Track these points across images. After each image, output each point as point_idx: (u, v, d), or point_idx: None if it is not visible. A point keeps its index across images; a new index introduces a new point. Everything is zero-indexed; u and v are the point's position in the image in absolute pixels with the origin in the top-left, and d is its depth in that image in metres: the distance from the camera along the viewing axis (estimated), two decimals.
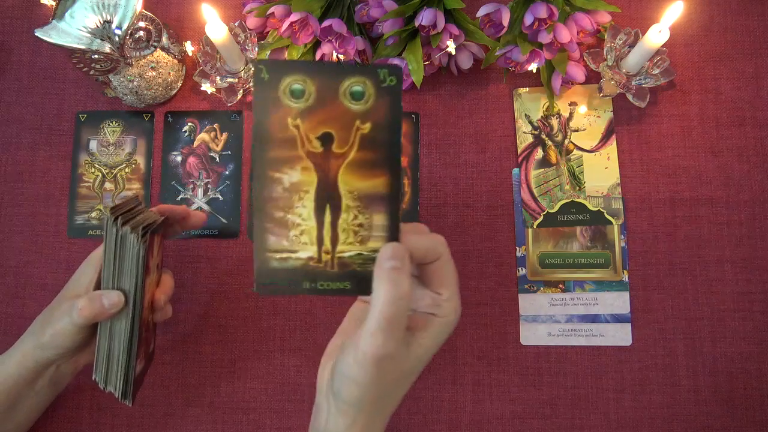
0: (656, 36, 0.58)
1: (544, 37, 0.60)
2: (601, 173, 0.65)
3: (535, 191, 0.65)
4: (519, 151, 0.66)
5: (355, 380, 0.37)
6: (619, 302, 0.63)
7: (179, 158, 0.67)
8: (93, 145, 0.67)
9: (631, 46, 0.63)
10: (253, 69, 0.62)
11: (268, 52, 0.64)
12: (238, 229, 0.65)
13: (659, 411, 0.61)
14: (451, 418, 0.62)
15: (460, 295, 0.40)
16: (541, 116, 0.67)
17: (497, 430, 0.61)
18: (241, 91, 0.65)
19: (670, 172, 0.65)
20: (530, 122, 0.66)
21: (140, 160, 0.67)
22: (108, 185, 0.66)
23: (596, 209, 0.64)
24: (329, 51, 0.61)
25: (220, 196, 0.66)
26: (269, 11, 0.61)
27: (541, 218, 0.65)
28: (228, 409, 0.62)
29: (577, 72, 0.63)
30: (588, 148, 0.66)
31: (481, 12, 0.60)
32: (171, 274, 0.57)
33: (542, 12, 0.57)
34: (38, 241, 0.65)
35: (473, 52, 0.64)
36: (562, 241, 0.64)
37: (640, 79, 0.63)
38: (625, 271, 0.64)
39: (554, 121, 0.66)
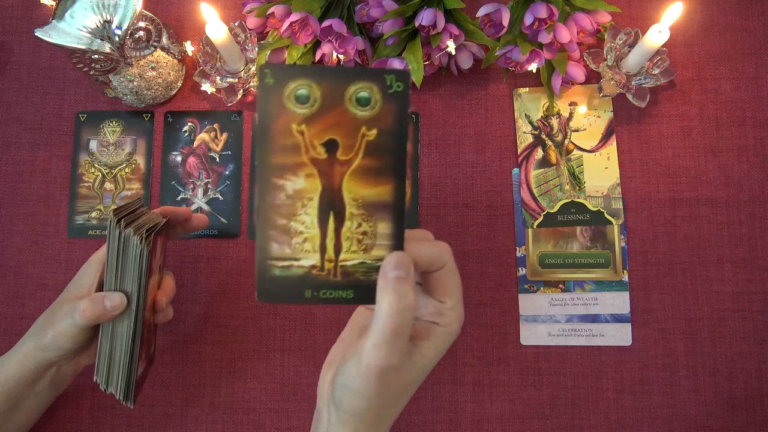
0: (656, 36, 0.58)
1: (544, 37, 0.60)
2: (601, 173, 0.65)
3: (535, 191, 0.65)
4: (519, 151, 0.66)
5: (357, 391, 0.36)
6: (619, 302, 0.63)
7: (179, 158, 0.67)
8: (93, 145, 0.67)
9: (631, 46, 0.63)
10: (256, 72, 0.62)
11: (268, 52, 0.64)
12: (238, 229, 0.65)
13: (659, 411, 0.61)
14: (451, 418, 0.62)
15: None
16: (541, 116, 0.67)
17: (497, 430, 0.61)
18: (241, 91, 0.65)
19: (670, 172, 0.65)
20: (530, 122, 0.66)
21: (140, 160, 0.67)
22: (108, 185, 0.66)
23: (596, 209, 0.65)
24: (329, 51, 0.61)
25: (220, 196, 0.66)
26: (269, 11, 0.61)
27: (541, 218, 0.65)
28: (228, 409, 0.62)
29: (577, 72, 0.63)
30: (588, 148, 0.66)
31: (481, 12, 0.60)
32: (172, 276, 0.57)
33: (542, 12, 0.57)
34: (38, 241, 0.65)
35: (473, 52, 0.63)
36: (562, 241, 0.64)
37: (640, 79, 0.63)
38: (625, 271, 0.64)
39: (554, 121, 0.66)
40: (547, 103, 0.66)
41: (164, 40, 0.63)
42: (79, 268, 0.53)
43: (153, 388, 0.62)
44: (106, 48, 0.58)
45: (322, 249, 0.36)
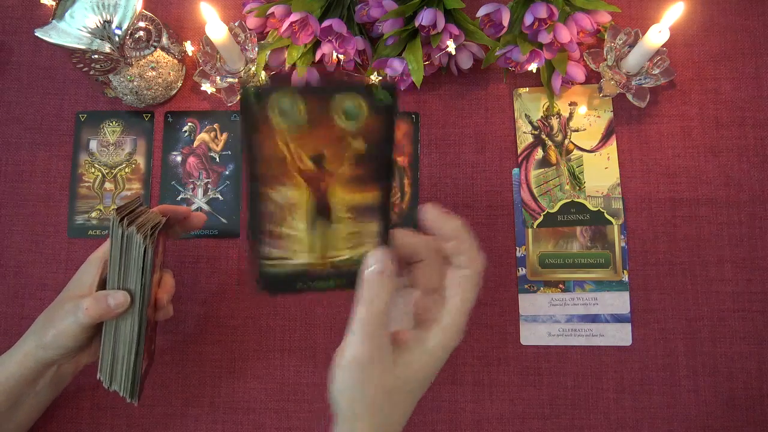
0: (656, 36, 0.58)
1: (544, 37, 0.60)
2: (601, 173, 0.65)
3: (535, 191, 0.65)
4: (519, 151, 0.66)
5: (339, 385, 0.37)
6: (619, 302, 0.63)
7: (179, 158, 0.67)
8: (93, 145, 0.67)
9: (631, 46, 0.63)
10: (256, 73, 0.62)
11: (268, 53, 0.64)
12: (238, 229, 0.65)
13: (659, 411, 0.61)
14: (451, 418, 0.62)
15: None
16: (541, 116, 0.67)
17: (497, 430, 0.61)
18: (241, 91, 0.65)
19: (670, 172, 0.65)
20: (530, 122, 0.66)
21: (140, 160, 0.67)
22: (108, 185, 0.66)
23: (596, 209, 0.65)
24: (329, 51, 0.61)
25: (220, 196, 0.66)
26: (269, 11, 0.61)
27: (541, 218, 0.65)
28: (228, 409, 0.62)
29: (577, 72, 0.63)
30: (588, 148, 0.66)
31: (481, 12, 0.60)
32: (171, 274, 0.57)
33: (542, 12, 0.57)
34: (38, 241, 0.65)
35: (473, 52, 0.64)
36: (562, 241, 0.64)
37: (640, 79, 0.63)
38: (625, 271, 0.64)
39: (554, 121, 0.66)
40: (547, 103, 0.67)
41: (164, 40, 0.63)
42: (79, 268, 0.53)
43: (153, 388, 0.62)
44: (106, 48, 0.58)
45: (312, 249, 0.38)
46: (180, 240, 0.65)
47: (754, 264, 0.63)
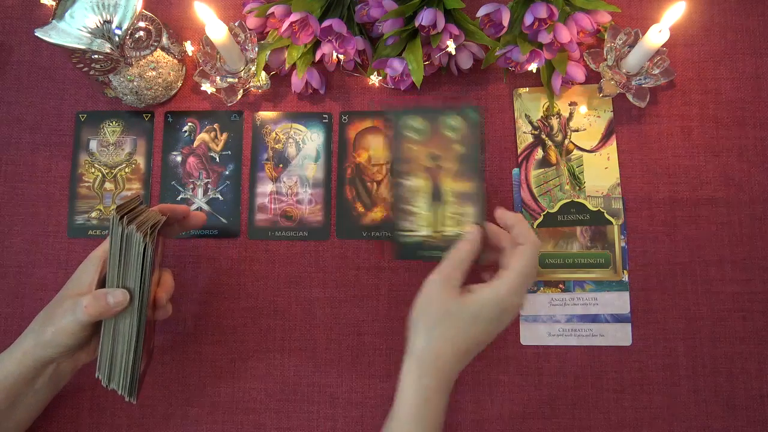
0: (656, 36, 0.58)
1: (544, 37, 0.60)
2: (601, 173, 0.65)
3: (535, 191, 0.65)
4: (519, 151, 0.66)
5: (419, 298, 0.50)
6: (619, 302, 0.63)
7: (179, 158, 0.67)
8: (93, 145, 0.67)
9: (631, 46, 0.63)
10: (256, 73, 0.64)
11: (268, 52, 0.64)
12: (238, 229, 0.65)
13: (659, 411, 0.61)
14: (451, 418, 0.61)
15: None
16: (541, 116, 0.67)
17: (497, 430, 0.61)
18: (241, 91, 0.65)
19: (670, 172, 0.65)
20: (530, 122, 0.66)
21: (140, 160, 0.67)
22: (108, 185, 0.66)
23: (596, 209, 0.64)
24: (329, 51, 0.61)
25: (220, 196, 0.66)
26: (269, 11, 0.61)
27: (541, 218, 0.65)
28: (228, 409, 0.62)
29: (577, 72, 0.63)
30: (588, 148, 0.66)
31: (481, 12, 0.60)
32: (170, 273, 0.57)
33: (542, 12, 0.58)
34: (38, 241, 0.65)
35: (473, 52, 0.64)
36: (562, 241, 0.64)
37: (640, 79, 0.63)
38: (625, 271, 0.63)
39: (554, 121, 0.66)
40: (547, 103, 0.67)
41: (164, 40, 0.63)
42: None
43: (153, 388, 0.62)
44: (106, 48, 0.58)
45: (431, 224, 0.54)
46: (180, 240, 0.65)
47: (754, 264, 0.63)
